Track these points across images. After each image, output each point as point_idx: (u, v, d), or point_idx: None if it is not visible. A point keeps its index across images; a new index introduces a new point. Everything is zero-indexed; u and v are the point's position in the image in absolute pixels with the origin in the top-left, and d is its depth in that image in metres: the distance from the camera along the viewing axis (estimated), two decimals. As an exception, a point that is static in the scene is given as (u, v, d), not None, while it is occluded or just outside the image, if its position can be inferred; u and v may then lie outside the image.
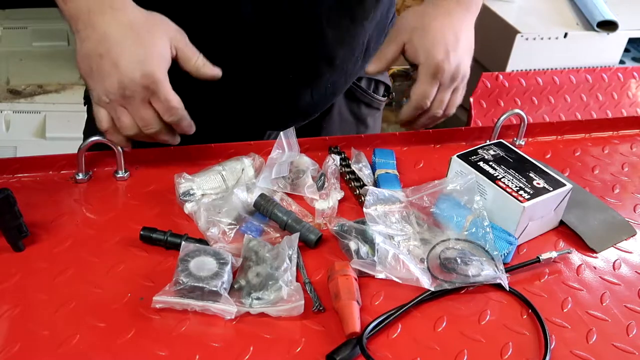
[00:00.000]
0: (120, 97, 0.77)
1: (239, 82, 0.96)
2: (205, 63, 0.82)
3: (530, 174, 0.85)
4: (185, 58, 0.81)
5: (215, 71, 0.83)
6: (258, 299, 0.71)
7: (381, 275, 0.75)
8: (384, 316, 0.71)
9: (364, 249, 0.78)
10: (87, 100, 1.06)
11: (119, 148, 0.87)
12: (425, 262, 0.77)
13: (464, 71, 0.92)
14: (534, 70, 1.86)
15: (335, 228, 0.81)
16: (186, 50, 0.81)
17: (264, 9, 0.89)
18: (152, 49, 0.77)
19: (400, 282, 0.74)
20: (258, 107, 1.01)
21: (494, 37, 1.96)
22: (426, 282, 0.74)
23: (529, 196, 0.81)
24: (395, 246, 0.78)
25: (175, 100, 0.79)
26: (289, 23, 0.91)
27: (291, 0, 0.89)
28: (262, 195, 0.83)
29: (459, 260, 0.77)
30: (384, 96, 1.19)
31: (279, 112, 1.02)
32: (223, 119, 1.02)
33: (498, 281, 0.75)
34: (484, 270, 0.76)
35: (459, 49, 0.90)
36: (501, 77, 1.66)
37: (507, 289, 0.75)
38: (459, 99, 0.95)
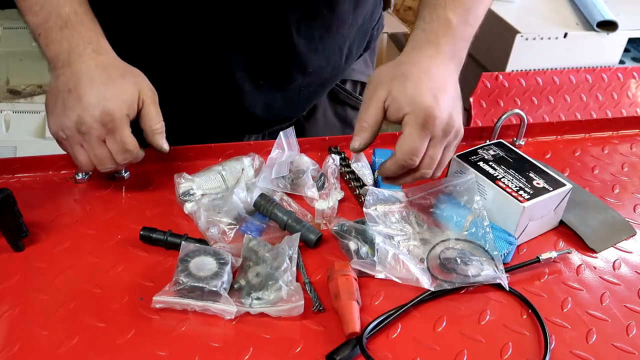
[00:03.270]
0: (76, 132, 0.77)
1: (211, 87, 0.96)
2: (162, 132, 0.82)
3: (530, 174, 0.85)
4: (147, 115, 0.80)
5: (165, 146, 0.83)
6: (258, 299, 0.71)
7: (381, 275, 0.75)
8: (384, 316, 0.71)
9: (364, 249, 0.78)
10: None
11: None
12: (425, 262, 0.77)
13: (458, 125, 0.78)
14: (534, 70, 1.86)
15: (335, 228, 0.81)
16: (151, 109, 0.80)
17: (233, 18, 0.88)
18: (119, 91, 0.77)
19: (400, 282, 0.74)
20: (232, 112, 1.00)
21: (494, 37, 1.95)
22: (426, 282, 0.74)
23: (528, 196, 0.81)
24: (395, 246, 0.78)
25: (131, 143, 0.78)
26: (258, 33, 0.90)
27: (260, 11, 0.88)
28: (262, 195, 0.83)
29: (458, 261, 0.77)
30: None
31: (253, 117, 1.01)
32: (199, 123, 1.02)
33: (498, 281, 0.75)
34: (484, 271, 0.76)
35: (447, 95, 0.77)
36: (501, 77, 1.65)
37: (507, 289, 0.75)
38: (448, 158, 0.81)
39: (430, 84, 0.76)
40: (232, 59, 0.93)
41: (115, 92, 0.77)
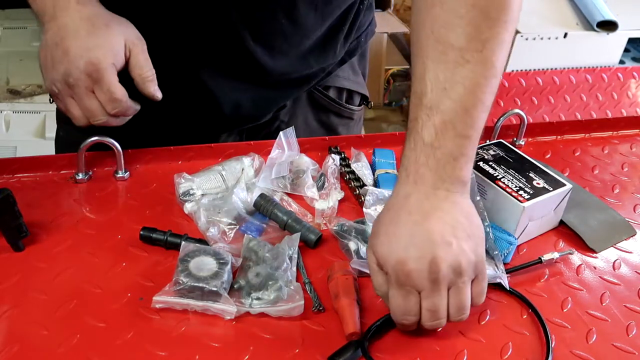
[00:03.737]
0: (65, 85, 0.77)
1: (177, 81, 0.92)
2: (153, 80, 0.80)
3: (530, 174, 0.85)
4: (136, 64, 0.79)
5: (157, 93, 0.81)
6: (258, 299, 0.71)
7: None
8: (385, 318, 0.70)
9: (364, 249, 0.77)
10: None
11: (119, 148, 0.87)
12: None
13: (469, 259, 0.64)
14: (534, 70, 1.86)
15: (335, 228, 0.81)
16: (140, 58, 0.79)
17: (189, 19, 0.86)
18: (104, 41, 0.76)
19: None
20: (200, 108, 0.97)
21: (494, 37, 1.96)
22: None
23: (528, 196, 0.81)
24: None
25: (119, 92, 0.77)
26: (216, 37, 0.87)
27: (211, 18, 0.85)
28: (262, 195, 0.83)
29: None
30: (359, 106, 1.14)
31: (221, 115, 0.97)
32: (167, 120, 0.98)
33: (498, 280, 0.75)
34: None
35: (429, 234, 0.64)
36: (501, 77, 1.66)
37: (508, 288, 0.75)
38: (468, 295, 0.66)
39: (400, 233, 0.65)
40: (196, 55, 0.90)
41: (99, 41, 0.76)
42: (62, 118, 1.04)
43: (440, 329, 0.69)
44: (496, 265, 0.77)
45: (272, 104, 1.01)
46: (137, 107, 0.81)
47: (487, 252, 0.78)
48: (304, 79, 1.00)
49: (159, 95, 0.81)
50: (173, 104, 0.94)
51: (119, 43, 0.77)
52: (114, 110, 0.78)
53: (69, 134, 0.97)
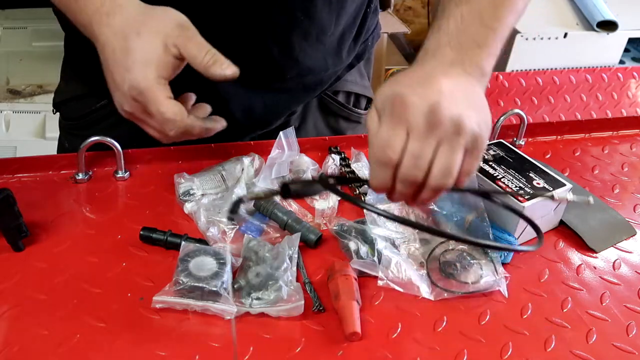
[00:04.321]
0: (125, 113, 0.72)
1: (190, 83, 0.92)
2: (216, 60, 0.69)
3: (530, 174, 0.85)
4: (189, 57, 0.69)
5: (227, 72, 0.70)
6: (258, 299, 0.71)
7: (382, 283, 0.75)
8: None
9: (364, 249, 0.78)
10: (57, 107, 1.05)
11: (119, 148, 0.87)
12: (425, 266, 0.77)
13: (472, 127, 0.60)
14: (534, 70, 1.86)
15: (335, 228, 0.81)
16: (189, 48, 0.69)
17: (207, 16, 0.80)
18: (140, 55, 0.68)
19: (402, 290, 0.74)
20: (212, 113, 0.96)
21: (494, 37, 1.96)
22: (426, 291, 0.74)
23: (528, 196, 0.81)
24: (397, 252, 0.78)
25: (169, 110, 0.69)
26: (233, 36, 0.85)
27: (234, 15, 0.84)
28: (262, 195, 0.83)
29: (458, 266, 0.77)
30: (365, 109, 1.14)
31: (233, 120, 0.92)
32: None
33: (497, 288, 0.75)
34: (484, 277, 0.76)
35: (435, 88, 0.60)
36: (501, 77, 1.65)
37: (506, 295, 0.75)
38: (459, 163, 0.61)
39: (408, 81, 0.63)
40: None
41: (135, 57, 0.67)
42: (68, 129, 1.04)
43: (413, 200, 0.64)
44: (495, 270, 0.77)
45: (284, 109, 1.01)
46: (203, 126, 0.73)
47: (486, 253, 0.78)
48: (317, 82, 1.00)
49: (229, 72, 0.70)
50: None
51: (156, 50, 0.68)
52: (171, 131, 0.71)
53: (74, 146, 0.93)
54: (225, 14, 0.84)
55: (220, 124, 0.77)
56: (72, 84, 1.02)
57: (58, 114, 1.06)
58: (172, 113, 0.69)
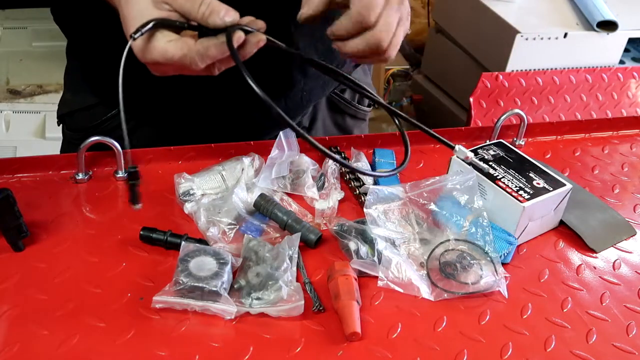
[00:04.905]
0: (155, 73, 0.71)
1: (212, 92, 0.92)
2: (212, 9, 0.66)
3: (530, 174, 0.85)
4: (184, 12, 0.67)
5: (226, 18, 0.66)
6: (258, 299, 0.71)
7: (382, 283, 0.75)
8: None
9: (364, 249, 0.78)
10: (61, 119, 1.05)
11: (119, 148, 0.87)
12: (425, 266, 0.77)
13: (407, 4, 0.76)
14: (534, 70, 1.86)
15: (335, 228, 0.81)
16: (179, 2, 0.67)
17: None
18: (129, 15, 0.67)
19: (402, 291, 0.74)
20: (232, 115, 0.97)
21: (494, 37, 1.95)
22: (426, 292, 0.74)
23: (528, 196, 0.81)
24: (397, 252, 0.78)
25: (169, 52, 0.66)
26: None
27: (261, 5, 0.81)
28: (262, 195, 0.83)
29: (458, 266, 0.77)
30: (368, 106, 1.16)
31: (253, 121, 0.98)
32: (198, 128, 0.99)
33: (497, 288, 0.75)
34: (484, 278, 0.76)
35: None
36: (501, 77, 1.65)
37: (506, 295, 0.75)
38: (401, 35, 0.75)
39: None
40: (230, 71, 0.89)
41: (126, 18, 0.67)
42: (73, 140, 1.03)
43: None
44: (495, 270, 0.77)
45: (306, 105, 1.02)
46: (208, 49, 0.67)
47: (486, 254, 0.78)
48: (327, 81, 1.01)
49: (228, 19, 0.67)
50: (202, 111, 0.94)
51: (146, 7, 0.67)
52: (198, 64, 0.67)
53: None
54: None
55: (257, 24, 0.71)
56: (80, 94, 1.01)
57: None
58: (171, 53, 0.66)
